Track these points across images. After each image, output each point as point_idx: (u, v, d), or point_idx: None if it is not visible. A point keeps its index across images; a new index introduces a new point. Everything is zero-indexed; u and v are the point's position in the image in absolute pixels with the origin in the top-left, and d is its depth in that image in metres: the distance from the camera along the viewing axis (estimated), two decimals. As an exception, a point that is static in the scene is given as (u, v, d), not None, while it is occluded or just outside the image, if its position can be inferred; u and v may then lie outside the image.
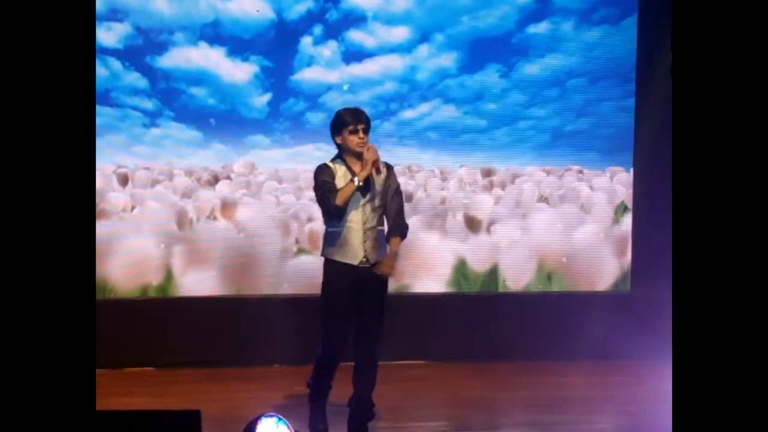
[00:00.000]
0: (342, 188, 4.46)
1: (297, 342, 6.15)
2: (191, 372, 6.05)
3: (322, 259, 4.68)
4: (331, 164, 4.53)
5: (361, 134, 4.44)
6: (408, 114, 6.59)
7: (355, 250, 4.47)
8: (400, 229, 4.62)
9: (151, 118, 6.39)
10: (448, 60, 6.58)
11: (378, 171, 4.46)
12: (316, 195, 4.57)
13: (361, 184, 4.44)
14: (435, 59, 6.57)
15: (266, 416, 3.55)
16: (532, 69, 6.64)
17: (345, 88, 6.47)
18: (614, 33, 6.67)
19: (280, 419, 3.55)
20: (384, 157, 5.30)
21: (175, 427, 3.15)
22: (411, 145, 6.54)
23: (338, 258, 4.51)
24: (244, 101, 6.44)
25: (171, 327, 6.28)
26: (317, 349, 4.68)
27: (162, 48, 6.38)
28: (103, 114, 6.29)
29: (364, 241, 4.48)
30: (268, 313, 6.31)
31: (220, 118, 6.43)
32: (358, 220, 4.46)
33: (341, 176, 4.48)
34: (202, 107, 6.42)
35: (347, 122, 4.45)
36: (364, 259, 4.50)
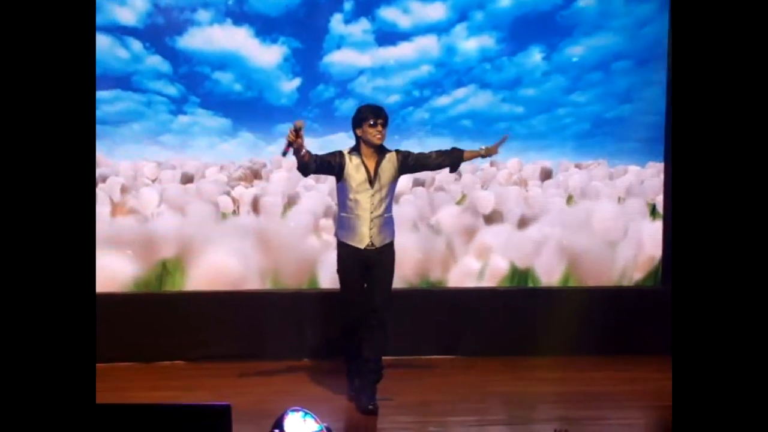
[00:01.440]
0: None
1: (326, 336, 6.67)
2: (222, 366, 6.50)
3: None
4: (347, 153, 5.44)
5: (379, 128, 5.40)
6: (442, 100, 6.87)
7: (362, 235, 5.48)
8: (452, 152, 5.55)
9: (178, 105, 6.70)
10: (488, 41, 6.81)
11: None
12: None
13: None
14: (473, 39, 6.79)
15: (293, 410, 3.95)
16: (576, 50, 6.86)
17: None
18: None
19: (306, 413, 3.94)
20: (416, 147, 5.97)
21: (206, 421, 3.44)
22: (444, 134, 6.79)
23: (347, 241, 5.52)
24: (272, 87, 6.76)
25: (202, 321, 6.70)
26: (340, 318, 5.65)
27: (183, 27, 6.63)
28: (127, 99, 6.65)
29: (371, 228, 5.47)
30: (298, 307, 6.82)
31: (248, 105, 6.74)
32: (366, 209, 5.45)
33: (354, 166, 5.41)
34: (227, 94, 6.74)
35: (368, 117, 5.41)
36: (370, 243, 5.48)
